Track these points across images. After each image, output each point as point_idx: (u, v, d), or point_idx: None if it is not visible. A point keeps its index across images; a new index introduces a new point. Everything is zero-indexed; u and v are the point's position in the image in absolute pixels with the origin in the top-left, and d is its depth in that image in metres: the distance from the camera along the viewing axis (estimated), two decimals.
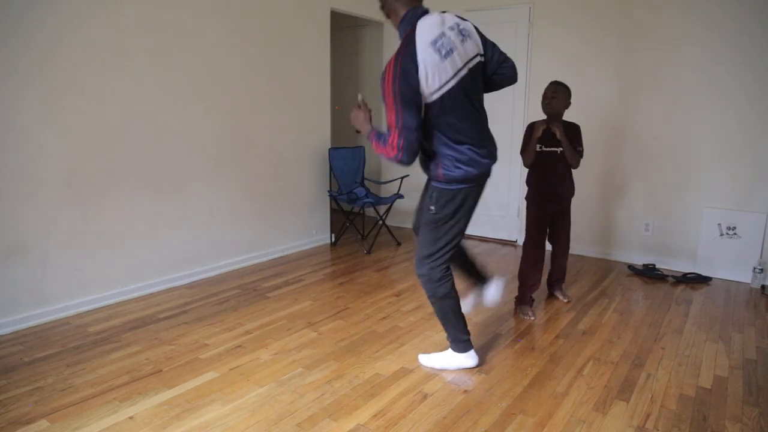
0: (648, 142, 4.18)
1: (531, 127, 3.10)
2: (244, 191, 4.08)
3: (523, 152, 3.13)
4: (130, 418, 2.05)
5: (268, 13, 4.07)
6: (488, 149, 2.26)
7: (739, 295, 3.63)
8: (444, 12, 2.17)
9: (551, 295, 3.50)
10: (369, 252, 4.58)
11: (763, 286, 3.74)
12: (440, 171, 2.21)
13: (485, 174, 2.29)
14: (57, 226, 2.97)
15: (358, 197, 4.74)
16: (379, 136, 2.18)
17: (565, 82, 3.08)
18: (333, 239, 4.92)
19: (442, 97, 2.10)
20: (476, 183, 2.27)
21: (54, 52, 2.86)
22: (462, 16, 2.21)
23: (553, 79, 3.09)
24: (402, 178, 4.89)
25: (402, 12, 2.14)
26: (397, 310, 3.23)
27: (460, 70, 2.11)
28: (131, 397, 2.20)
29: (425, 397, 2.24)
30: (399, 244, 4.88)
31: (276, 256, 4.38)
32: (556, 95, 3.00)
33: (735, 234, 3.90)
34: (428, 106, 2.12)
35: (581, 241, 4.57)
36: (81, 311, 3.11)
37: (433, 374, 2.44)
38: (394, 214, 5.55)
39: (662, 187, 4.19)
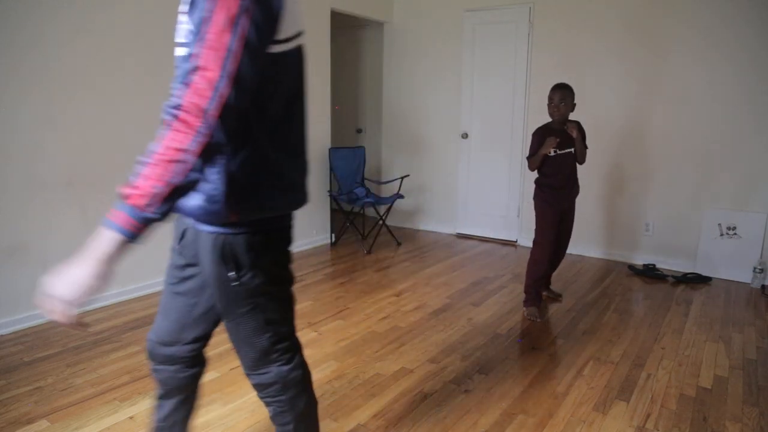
0: (648, 141, 4.18)
1: (539, 134, 3.06)
2: None
3: (530, 158, 3.10)
4: (130, 418, 2.05)
5: None
6: None
7: (739, 295, 3.62)
8: None
9: (546, 296, 3.50)
10: (369, 252, 4.58)
11: (763, 286, 3.74)
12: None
13: None
14: (57, 226, 2.97)
15: (359, 197, 4.74)
16: None
17: (566, 82, 3.08)
18: (333, 239, 4.92)
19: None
20: None
21: (55, 53, 2.85)
22: None
23: (556, 82, 3.06)
24: (402, 178, 4.89)
25: None
26: (397, 310, 3.24)
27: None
28: (131, 397, 2.20)
29: (425, 397, 2.24)
30: (399, 244, 4.88)
31: None
32: (565, 100, 2.99)
33: (735, 234, 3.90)
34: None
35: (581, 241, 4.57)
36: (81, 311, 3.11)
37: (433, 374, 2.44)
38: (394, 214, 5.55)
39: (662, 187, 4.19)
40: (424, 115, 5.37)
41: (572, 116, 3.18)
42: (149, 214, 1.00)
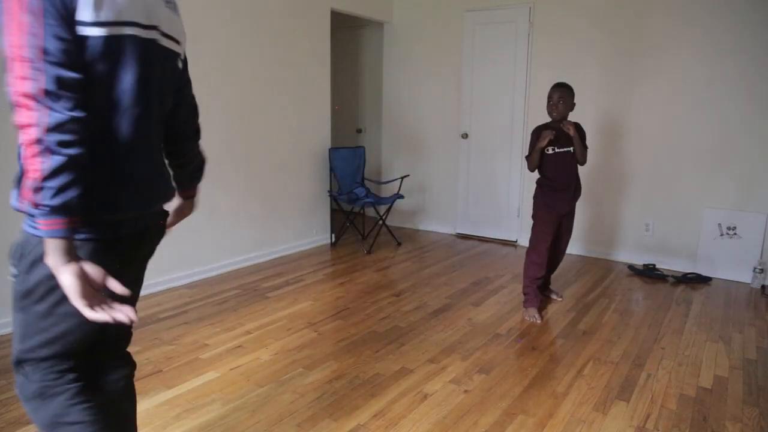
0: (648, 141, 4.18)
1: (537, 133, 3.08)
2: (244, 191, 4.07)
3: (528, 157, 3.11)
4: None
5: (269, 13, 4.07)
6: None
7: (739, 295, 3.62)
8: None
9: (546, 297, 3.50)
10: (369, 252, 4.58)
11: (763, 286, 3.74)
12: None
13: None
14: None
15: (359, 197, 4.74)
16: None
17: (565, 82, 3.08)
18: (333, 239, 4.92)
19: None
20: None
21: None
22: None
23: (556, 81, 3.06)
24: (402, 178, 4.89)
25: None
26: (397, 310, 3.24)
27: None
28: None
29: (425, 397, 2.24)
30: (399, 244, 4.88)
31: (276, 256, 4.38)
32: (563, 99, 2.97)
33: (735, 234, 3.90)
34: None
35: (581, 241, 4.57)
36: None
37: (433, 374, 2.44)
38: (394, 214, 5.55)
39: (663, 187, 4.19)
40: (424, 115, 5.37)
41: (573, 117, 3.17)
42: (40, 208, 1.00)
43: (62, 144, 1.00)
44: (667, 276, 3.94)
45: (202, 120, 1.56)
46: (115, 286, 1.09)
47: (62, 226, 1.01)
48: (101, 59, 1.08)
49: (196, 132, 1.51)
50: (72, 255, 1.04)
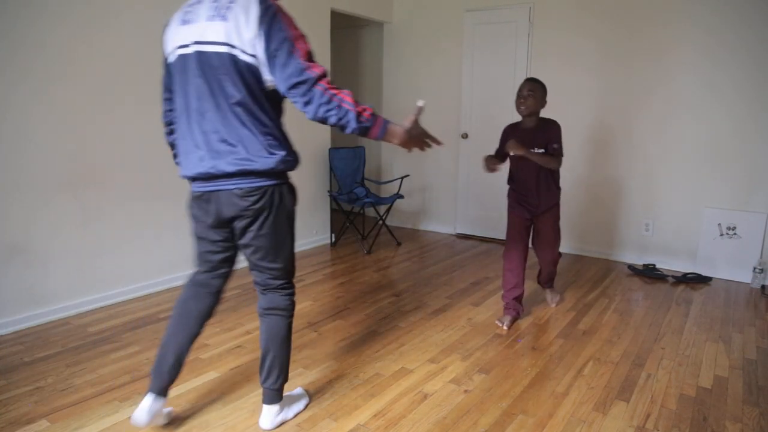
0: (648, 141, 4.18)
1: (506, 133, 2.93)
2: None
3: (488, 157, 2.90)
4: (130, 418, 2.05)
5: None
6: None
7: (739, 295, 3.62)
8: None
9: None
10: (369, 252, 4.58)
11: (763, 286, 3.74)
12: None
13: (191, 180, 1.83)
14: (57, 226, 2.97)
15: (358, 197, 4.74)
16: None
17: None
18: (333, 239, 4.92)
19: None
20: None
21: (56, 55, 2.86)
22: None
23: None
24: (402, 178, 4.90)
25: None
26: (397, 310, 3.23)
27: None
28: (131, 397, 2.20)
29: (425, 397, 2.24)
30: (399, 244, 4.88)
31: None
32: (533, 93, 2.74)
33: (735, 234, 3.90)
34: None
35: (581, 241, 4.58)
36: (81, 311, 3.11)
37: (433, 374, 2.44)
38: (394, 214, 5.55)
39: (662, 187, 4.19)
40: (424, 115, 5.34)
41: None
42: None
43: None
44: (667, 276, 3.94)
45: None
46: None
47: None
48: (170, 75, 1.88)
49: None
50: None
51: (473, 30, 4.91)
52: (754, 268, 3.77)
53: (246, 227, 1.80)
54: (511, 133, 2.91)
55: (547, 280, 3.31)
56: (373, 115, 1.69)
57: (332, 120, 1.64)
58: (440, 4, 5.10)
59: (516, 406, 2.18)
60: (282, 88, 1.67)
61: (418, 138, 1.81)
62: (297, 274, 3.93)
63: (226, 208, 1.77)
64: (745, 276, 3.87)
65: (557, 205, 3.02)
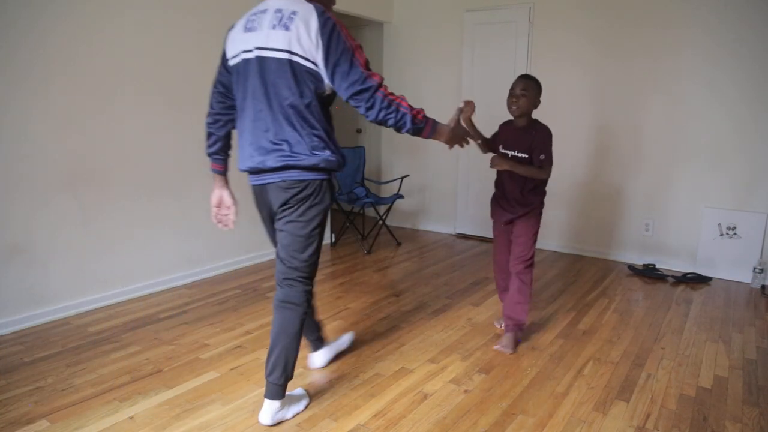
0: (648, 141, 4.18)
1: (500, 129, 2.80)
2: (244, 191, 4.06)
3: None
4: (130, 418, 2.05)
5: None
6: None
7: (739, 295, 3.62)
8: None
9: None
10: (369, 252, 4.58)
11: (763, 286, 3.74)
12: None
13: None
14: (57, 226, 2.97)
15: (358, 197, 4.74)
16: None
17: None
18: (333, 239, 4.92)
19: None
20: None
21: (54, 55, 2.86)
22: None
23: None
24: (402, 178, 4.89)
25: None
26: (397, 310, 3.23)
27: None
28: (131, 397, 2.20)
29: (425, 397, 2.24)
30: (399, 244, 4.88)
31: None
32: (526, 93, 2.53)
33: (735, 234, 3.90)
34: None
35: (581, 241, 4.58)
36: (81, 311, 3.11)
37: (433, 374, 2.44)
38: (394, 214, 5.55)
39: (662, 187, 4.19)
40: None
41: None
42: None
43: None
44: (667, 276, 3.94)
45: (203, 120, 1.59)
46: None
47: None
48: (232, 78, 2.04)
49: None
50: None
51: (473, 30, 4.91)
52: (754, 268, 3.77)
53: (285, 213, 1.95)
54: (503, 131, 2.79)
55: (508, 315, 2.71)
56: (425, 117, 1.91)
57: (391, 122, 1.85)
58: (440, 4, 5.10)
59: (516, 406, 2.18)
60: (344, 95, 1.83)
61: (460, 136, 2.07)
62: None
63: (274, 200, 1.96)
64: (745, 276, 3.87)
65: (535, 211, 2.70)
